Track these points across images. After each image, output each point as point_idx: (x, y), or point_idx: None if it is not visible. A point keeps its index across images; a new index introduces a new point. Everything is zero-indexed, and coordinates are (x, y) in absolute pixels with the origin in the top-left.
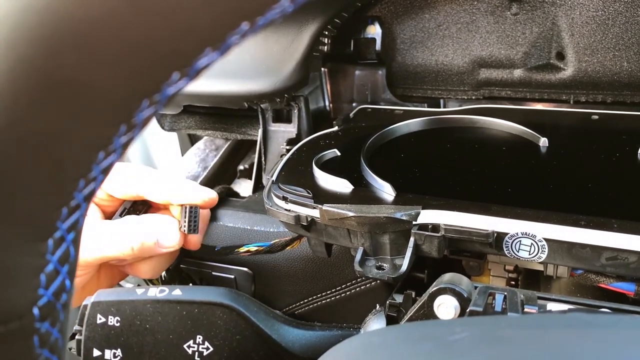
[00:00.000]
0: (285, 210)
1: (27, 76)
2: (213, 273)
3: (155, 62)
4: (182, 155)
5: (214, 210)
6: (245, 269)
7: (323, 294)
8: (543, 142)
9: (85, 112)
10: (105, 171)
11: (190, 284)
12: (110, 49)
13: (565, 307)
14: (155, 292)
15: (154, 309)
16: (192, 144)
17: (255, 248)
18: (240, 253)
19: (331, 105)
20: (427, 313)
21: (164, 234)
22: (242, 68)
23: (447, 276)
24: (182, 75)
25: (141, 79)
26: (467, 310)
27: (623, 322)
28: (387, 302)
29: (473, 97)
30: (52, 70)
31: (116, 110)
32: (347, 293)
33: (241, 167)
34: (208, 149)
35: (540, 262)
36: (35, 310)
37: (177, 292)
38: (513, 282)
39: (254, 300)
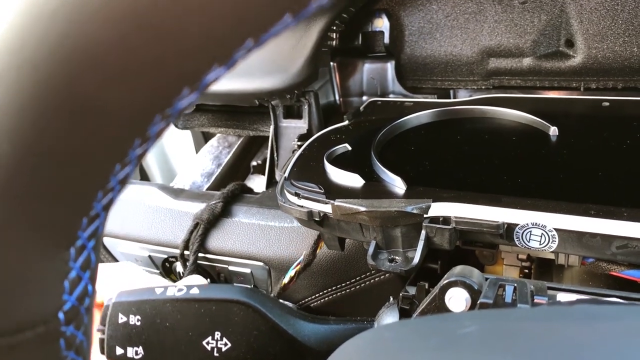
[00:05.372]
0: (298, 206)
1: (48, 97)
2: (230, 268)
3: (166, 80)
4: (197, 151)
5: (229, 206)
6: (261, 263)
7: (338, 286)
8: (553, 131)
9: (101, 129)
10: (122, 182)
11: (208, 280)
12: (124, 70)
13: (574, 297)
14: (174, 292)
15: (173, 307)
16: (206, 140)
17: (294, 271)
18: (289, 284)
19: (341, 99)
20: (439, 306)
21: None
22: (251, 66)
23: (458, 269)
24: (192, 90)
25: (153, 97)
26: (478, 302)
27: (629, 314)
28: (400, 294)
29: (483, 87)
30: (72, 91)
31: (131, 126)
32: (362, 285)
33: (254, 163)
34: (221, 146)
35: (552, 252)
36: (61, 315)
37: (195, 291)
38: (527, 270)
39: (270, 297)
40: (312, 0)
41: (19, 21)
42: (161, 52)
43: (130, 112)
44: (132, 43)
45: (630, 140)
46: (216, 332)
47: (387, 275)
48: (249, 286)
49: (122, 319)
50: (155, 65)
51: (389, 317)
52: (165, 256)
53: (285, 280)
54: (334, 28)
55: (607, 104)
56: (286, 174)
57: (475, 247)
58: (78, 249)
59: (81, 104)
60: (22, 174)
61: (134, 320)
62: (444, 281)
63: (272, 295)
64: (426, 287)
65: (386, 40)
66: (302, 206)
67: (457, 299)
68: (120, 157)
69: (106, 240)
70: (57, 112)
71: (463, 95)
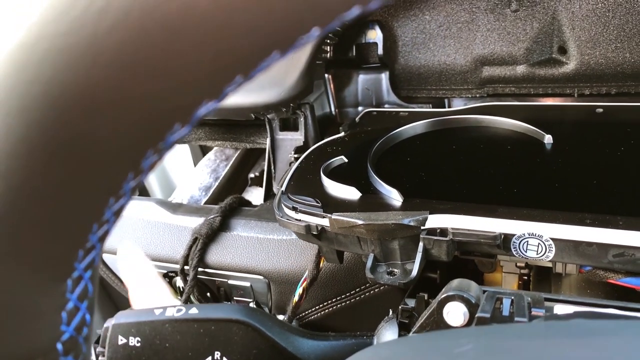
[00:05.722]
0: (296, 220)
1: (39, 137)
2: (229, 282)
3: (158, 117)
4: (195, 164)
5: (227, 220)
6: (260, 277)
7: (338, 298)
8: (548, 139)
9: (94, 165)
10: (117, 213)
11: (208, 294)
12: (116, 108)
13: (571, 308)
14: (172, 312)
15: (172, 328)
16: (204, 153)
17: (302, 288)
18: (301, 302)
19: (337, 110)
20: (437, 320)
21: None
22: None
23: (455, 282)
24: (183, 124)
25: (145, 133)
26: (476, 316)
27: (627, 329)
28: (400, 307)
29: (477, 95)
30: (63, 130)
31: (123, 161)
32: (362, 297)
33: (252, 175)
34: (219, 159)
35: (549, 261)
36: (59, 346)
37: (194, 311)
38: (525, 278)
39: (269, 315)
40: (298, 39)
41: (9, 63)
42: (152, 90)
43: (122, 148)
44: (123, 82)
45: (624, 147)
46: (216, 352)
47: (386, 286)
48: (248, 305)
49: (121, 340)
50: (146, 103)
51: (388, 331)
52: (165, 271)
53: (296, 298)
54: (328, 41)
55: (601, 110)
56: (283, 188)
57: (473, 256)
58: (75, 280)
59: (73, 142)
60: (16, 210)
61: (134, 341)
62: (441, 295)
63: (285, 316)
64: (425, 298)
65: (380, 51)
66: (299, 220)
67: (455, 313)
68: (114, 191)
69: (106, 257)
70: (49, 151)
71: (458, 104)
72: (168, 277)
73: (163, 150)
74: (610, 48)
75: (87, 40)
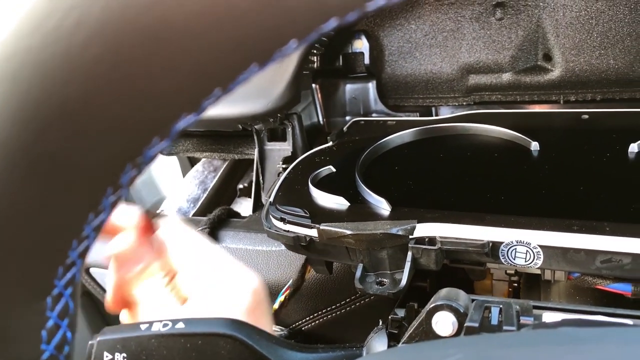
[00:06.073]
0: (284, 231)
1: (14, 153)
2: None
3: (135, 132)
4: (183, 176)
5: (215, 232)
6: None
7: (328, 309)
8: (534, 146)
9: (72, 181)
10: (97, 229)
11: None
12: (92, 125)
13: (560, 316)
14: (159, 327)
15: (158, 343)
16: (192, 164)
17: (284, 297)
18: (281, 310)
19: (325, 120)
20: (426, 330)
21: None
22: (234, 92)
23: (444, 292)
24: (162, 138)
25: (123, 148)
26: (464, 325)
27: (613, 337)
28: (390, 317)
29: (464, 103)
30: (39, 146)
31: (101, 177)
32: (352, 307)
33: (240, 186)
34: (207, 171)
35: (537, 268)
36: None
37: (180, 325)
38: (515, 285)
39: (257, 328)
40: (276, 52)
41: None
42: (128, 104)
43: (100, 164)
44: (99, 97)
45: (610, 153)
46: None
47: (376, 296)
48: (234, 318)
49: (107, 356)
50: (122, 117)
51: (377, 342)
52: None
53: (276, 306)
54: (315, 51)
55: (586, 116)
56: (271, 199)
57: (462, 265)
58: (54, 298)
59: (49, 158)
60: None
61: (120, 357)
62: (430, 305)
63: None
64: (415, 307)
65: (366, 60)
66: (288, 231)
67: (443, 323)
68: (93, 207)
69: (94, 271)
70: (25, 167)
71: (445, 112)
72: None
73: (142, 165)
74: (595, 55)
75: (61, 55)
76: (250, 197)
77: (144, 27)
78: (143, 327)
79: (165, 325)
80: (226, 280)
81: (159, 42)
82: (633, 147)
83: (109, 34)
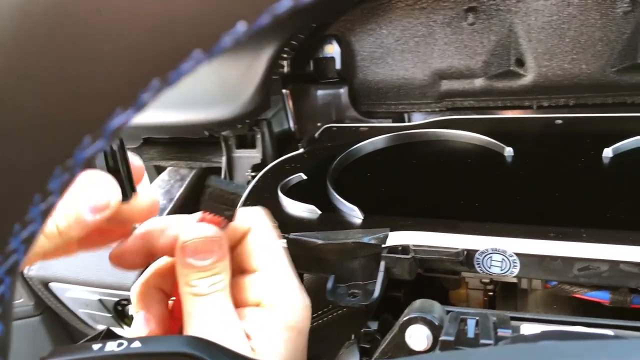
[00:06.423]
0: None
1: None
2: None
3: (61, 131)
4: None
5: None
6: None
7: None
8: (508, 151)
9: None
10: (27, 241)
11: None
12: (9, 123)
13: (538, 327)
14: (113, 347)
15: None
16: (159, 173)
17: None
18: None
19: (296, 126)
20: (399, 344)
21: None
22: (199, 96)
23: (418, 303)
24: (94, 137)
25: (48, 150)
26: (439, 339)
27: (595, 351)
28: (362, 331)
29: (436, 109)
30: None
31: (25, 182)
32: (324, 319)
33: None
34: (173, 180)
35: (514, 277)
36: None
37: (136, 345)
38: (491, 294)
39: (218, 345)
40: (221, 36)
41: None
42: (49, 99)
43: (20, 169)
44: (15, 91)
45: (584, 158)
46: None
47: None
48: (196, 336)
49: None
50: (43, 115)
51: (348, 358)
52: (117, 299)
53: None
54: (284, 55)
55: (560, 121)
56: (238, 207)
57: (437, 274)
58: None
59: None
60: None
61: None
62: (403, 318)
63: None
64: (390, 319)
65: (338, 65)
66: None
67: (417, 337)
68: (18, 216)
69: (53, 286)
70: None
71: (417, 119)
72: (120, 305)
73: (75, 168)
74: (567, 60)
75: None
76: None
77: (56, 7)
78: (96, 347)
79: (120, 344)
80: (292, 294)
81: (79, 27)
82: (607, 152)
83: (16, 18)
